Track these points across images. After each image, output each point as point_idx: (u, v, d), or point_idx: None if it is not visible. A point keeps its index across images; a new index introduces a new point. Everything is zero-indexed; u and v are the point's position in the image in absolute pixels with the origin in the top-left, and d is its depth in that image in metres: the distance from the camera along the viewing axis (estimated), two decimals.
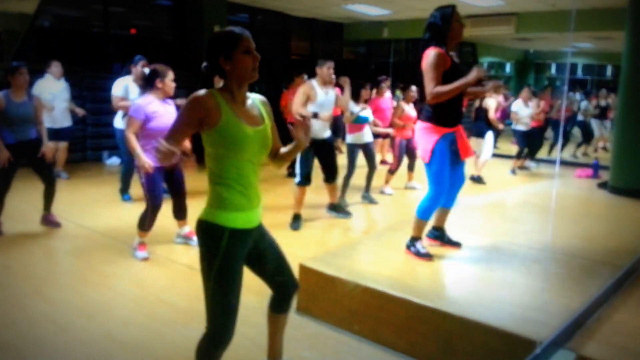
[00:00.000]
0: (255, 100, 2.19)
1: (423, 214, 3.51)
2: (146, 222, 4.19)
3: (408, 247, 3.60)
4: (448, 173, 3.44)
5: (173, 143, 1.99)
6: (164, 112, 4.08)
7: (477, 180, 7.89)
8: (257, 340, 2.84)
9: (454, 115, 3.46)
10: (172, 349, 2.92)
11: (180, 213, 4.49)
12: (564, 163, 9.79)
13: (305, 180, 5.11)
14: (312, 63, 5.16)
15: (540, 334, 2.54)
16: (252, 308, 3.06)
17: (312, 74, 5.29)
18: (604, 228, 4.86)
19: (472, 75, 3.25)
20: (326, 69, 5.00)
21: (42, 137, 4.84)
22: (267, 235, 2.30)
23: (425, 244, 3.67)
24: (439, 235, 3.76)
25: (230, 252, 2.05)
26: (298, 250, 4.54)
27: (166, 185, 4.36)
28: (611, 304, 3.06)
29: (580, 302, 2.92)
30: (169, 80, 4.11)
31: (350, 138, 6.07)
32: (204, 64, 2.08)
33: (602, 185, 6.81)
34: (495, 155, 9.33)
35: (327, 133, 5.16)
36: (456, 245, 3.76)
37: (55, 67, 6.86)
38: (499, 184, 7.95)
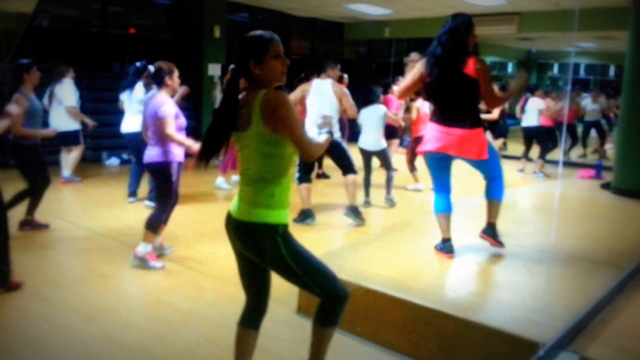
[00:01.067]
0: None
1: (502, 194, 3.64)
2: (161, 222, 4.06)
3: (493, 236, 3.67)
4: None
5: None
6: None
7: None
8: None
9: None
10: (172, 351, 2.90)
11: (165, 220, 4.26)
12: (567, 164, 9.76)
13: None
14: (312, 63, 5.16)
15: (543, 336, 2.52)
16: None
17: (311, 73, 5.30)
18: (607, 229, 4.84)
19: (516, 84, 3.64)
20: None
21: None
22: None
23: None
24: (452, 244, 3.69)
25: (290, 239, 2.16)
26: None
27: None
28: (614, 306, 3.03)
29: (584, 304, 2.90)
30: (177, 77, 4.08)
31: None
32: (232, 66, 2.12)
33: (605, 186, 6.78)
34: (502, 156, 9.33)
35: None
36: None
37: (71, 72, 6.85)
38: None
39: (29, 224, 4.94)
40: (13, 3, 8.53)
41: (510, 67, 21.08)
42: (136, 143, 5.69)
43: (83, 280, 3.88)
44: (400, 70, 12.33)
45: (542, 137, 8.65)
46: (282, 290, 3.57)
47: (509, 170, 8.92)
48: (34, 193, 4.82)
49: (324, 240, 5.00)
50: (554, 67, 21.53)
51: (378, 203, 6.37)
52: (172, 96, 4.11)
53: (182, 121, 4.06)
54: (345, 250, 3.88)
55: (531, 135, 8.81)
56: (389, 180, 6.23)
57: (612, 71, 20.16)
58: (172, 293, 3.68)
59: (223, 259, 4.15)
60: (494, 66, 20.52)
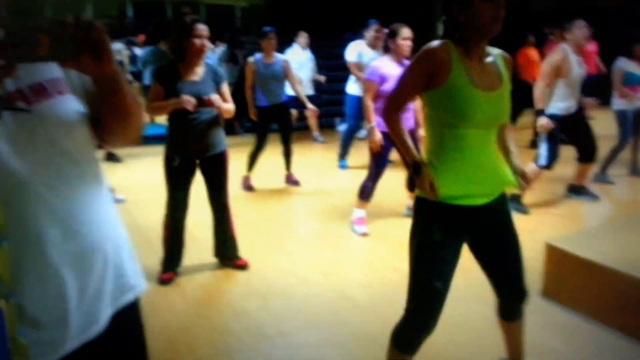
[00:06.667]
0: (496, 57, 1.87)
1: None
2: (367, 191, 4.06)
3: None
4: None
5: (396, 105, 1.89)
6: (398, 74, 3.93)
7: None
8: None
9: None
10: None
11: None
12: None
13: (552, 163, 4.41)
14: (561, 17, 4.46)
15: None
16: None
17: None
18: None
19: None
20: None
21: (300, 97, 5.26)
22: (507, 226, 1.94)
23: None
24: None
25: (439, 229, 1.81)
26: (540, 227, 4.12)
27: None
28: None
29: None
30: (401, 40, 3.86)
31: (619, 104, 5.13)
32: (443, 17, 1.83)
33: None
34: None
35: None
36: None
37: (302, 37, 7.27)
38: None
39: (288, 178, 5.55)
40: None
41: None
42: (350, 106, 5.89)
43: (320, 238, 4.11)
44: None
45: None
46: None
47: None
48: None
49: (571, 217, 4.46)
50: None
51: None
52: (401, 60, 3.89)
53: (389, 87, 3.82)
54: (600, 230, 3.38)
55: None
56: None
57: None
58: (400, 259, 3.63)
59: None
60: None
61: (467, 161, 1.79)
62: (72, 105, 1.10)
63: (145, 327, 1.32)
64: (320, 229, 4.31)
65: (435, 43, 1.79)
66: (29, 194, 1.00)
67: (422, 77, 1.78)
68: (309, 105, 5.29)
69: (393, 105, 1.90)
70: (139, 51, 7.47)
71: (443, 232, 1.82)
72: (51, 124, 1.05)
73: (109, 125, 1.15)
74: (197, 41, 3.04)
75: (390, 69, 3.84)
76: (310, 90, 7.32)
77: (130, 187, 5.24)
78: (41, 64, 1.05)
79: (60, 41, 0.88)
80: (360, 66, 5.89)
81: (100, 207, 1.16)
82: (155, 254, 3.34)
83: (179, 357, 2.55)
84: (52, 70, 1.08)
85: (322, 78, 7.50)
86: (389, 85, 3.81)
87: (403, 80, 1.87)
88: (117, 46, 8.66)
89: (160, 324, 2.79)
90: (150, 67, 7.39)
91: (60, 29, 0.88)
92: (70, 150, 1.08)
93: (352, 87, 6.05)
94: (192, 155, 3.19)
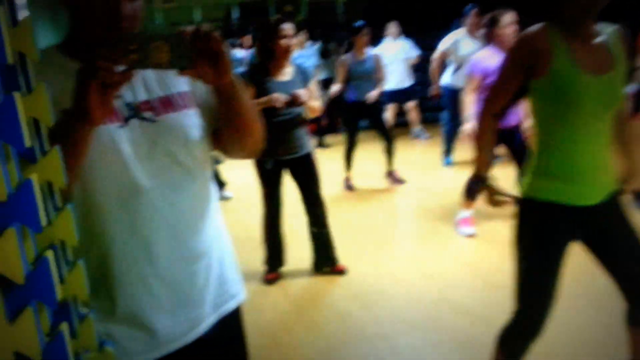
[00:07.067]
0: (609, 35, 1.67)
1: None
2: (473, 190, 3.79)
3: None
4: None
5: (495, 102, 1.76)
6: None
7: None
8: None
9: None
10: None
11: None
12: None
13: None
14: None
15: None
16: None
17: None
18: None
19: None
20: None
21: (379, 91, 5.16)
22: (622, 225, 1.76)
23: None
24: None
25: (546, 230, 1.72)
26: None
27: (506, 150, 3.90)
28: None
29: None
30: (503, 27, 3.55)
31: None
32: None
33: None
34: None
35: None
36: None
37: (392, 27, 6.98)
38: None
39: (390, 176, 5.43)
40: None
41: None
42: (446, 97, 5.60)
43: (422, 239, 4.03)
44: None
45: None
46: None
47: None
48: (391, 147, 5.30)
49: None
50: None
51: None
52: (505, 52, 3.59)
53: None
54: None
55: None
56: None
57: None
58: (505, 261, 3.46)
59: None
60: None
61: (577, 158, 1.67)
62: (194, 119, 1.13)
63: (249, 325, 1.33)
64: (424, 229, 4.24)
65: (532, 29, 1.65)
66: (143, 199, 1.05)
67: (519, 70, 1.67)
68: (372, 94, 5.07)
69: (492, 101, 1.79)
70: (240, 53, 7.64)
71: (550, 233, 1.73)
72: (172, 136, 1.09)
73: (228, 136, 1.17)
74: (283, 42, 3.04)
75: (493, 62, 3.49)
76: (407, 82, 7.01)
77: (237, 186, 5.44)
78: (172, 77, 1.10)
79: (179, 50, 0.89)
80: (450, 55, 5.59)
81: (208, 217, 1.18)
82: (260, 253, 3.46)
83: (281, 354, 2.63)
84: (181, 84, 1.13)
85: (414, 59, 7.10)
86: (492, 79, 3.59)
87: (501, 75, 1.77)
88: None
89: (264, 321, 2.90)
90: None
91: (180, 38, 0.90)
92: (186, 162, 1.10)
93: (445, 78, 5.73)
94: (281, 156, 3.20)
